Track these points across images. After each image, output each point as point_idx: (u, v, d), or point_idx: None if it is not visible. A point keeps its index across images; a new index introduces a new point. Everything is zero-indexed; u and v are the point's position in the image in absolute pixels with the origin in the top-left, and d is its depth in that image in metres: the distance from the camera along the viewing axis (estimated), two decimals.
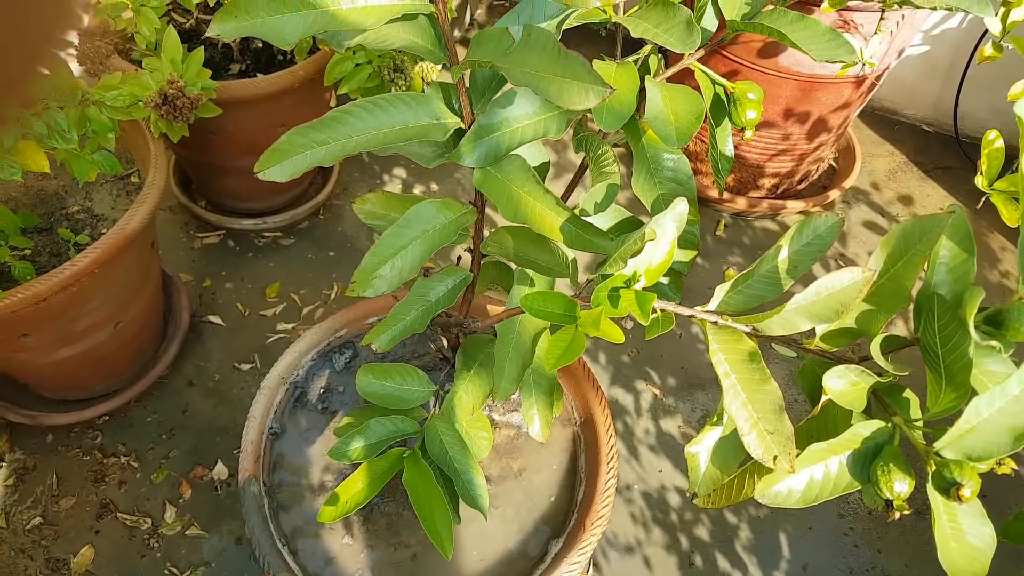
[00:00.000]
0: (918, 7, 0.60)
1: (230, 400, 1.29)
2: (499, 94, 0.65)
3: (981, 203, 1.62)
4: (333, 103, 1.51)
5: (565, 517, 0.82)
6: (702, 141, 1.62)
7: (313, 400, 0.88)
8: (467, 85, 0.64)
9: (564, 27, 0.67)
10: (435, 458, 0.68)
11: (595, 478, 0.82)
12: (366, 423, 0.68)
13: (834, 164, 1.71)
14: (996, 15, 0.90)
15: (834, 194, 1.61)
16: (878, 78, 1.45)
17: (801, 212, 1.64)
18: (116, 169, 0.93)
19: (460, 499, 0.67)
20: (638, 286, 0.54)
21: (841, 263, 1.57)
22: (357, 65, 1.15)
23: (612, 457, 0.82)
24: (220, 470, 1.23)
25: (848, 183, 1.62)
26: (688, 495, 0.54)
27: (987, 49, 0.88)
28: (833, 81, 1.39)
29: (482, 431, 0.74)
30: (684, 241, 0.73)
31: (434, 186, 1.65)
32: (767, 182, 1.60)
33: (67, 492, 1.18)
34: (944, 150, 1.83)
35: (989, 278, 1.57)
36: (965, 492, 0.44)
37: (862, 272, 0.47)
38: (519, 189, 0.64)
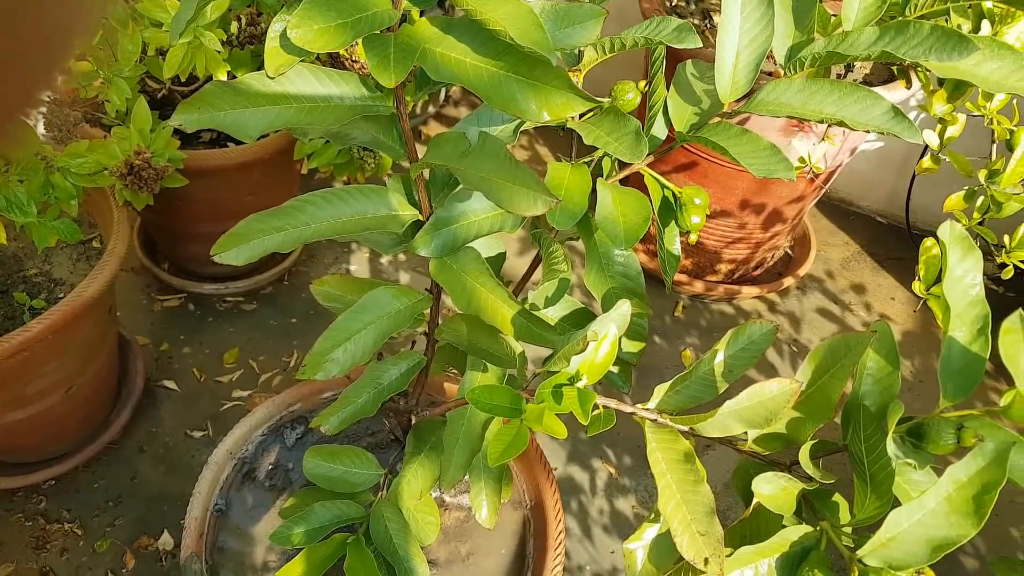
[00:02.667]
0: (853, 129, 0.64)
1: (180, 468, 1.27)
2: (458, 188, 0.67)
3: (919, 306, 1.68)
4: (304, 171, 1.54)
5: None
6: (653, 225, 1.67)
7: (261, 477, 0.87)
8: (426, 179, 0.67)
9: (521, 129, 0.70)
10: (378, 544, 0.67)
11: (542, 565, 0.81)
12: (310, 507, 0.68)
13: (790, 252, 1.77)
14: (935, 130, 0.95)
15: (789, 281, 1.65)
16: (832, 173, 1.52)
17: (756, 297, 1.68)
18: (76, 236, 0.94)
19: None
20: (580, 384, 0.56)
21: (795, 348, 1.61)
22: (327, 142, 1.18)
23: (560, 543, 0.83)
24: (166, 540, 1.20)
25: (803, 271, 1.67)
26: None
27: (926, 162, 0.94)
28: None
29: (429, 516, 0.74)
30: (633, 333, 0.75)
31: (401, 256, 1.67)
32: (724, 267, 1.65)
33: (6, 559, 1.14)
34: (897, 241, 1.90)
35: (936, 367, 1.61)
36: None
37: (790, 383, 0.50)
38: (473, 280, 0.65)
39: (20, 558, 1.15)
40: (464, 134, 0.61)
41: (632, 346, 0.76)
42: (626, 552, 0.57)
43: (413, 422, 0.77)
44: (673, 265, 0.77)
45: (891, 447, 0.46)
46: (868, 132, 0.62)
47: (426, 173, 0.67)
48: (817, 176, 1.46)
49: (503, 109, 0.55)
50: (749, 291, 1.64)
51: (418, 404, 0.77)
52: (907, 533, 0.46)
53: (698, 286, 1.64)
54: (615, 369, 0.77)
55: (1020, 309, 0.47)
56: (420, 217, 0.66)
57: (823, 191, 1.59)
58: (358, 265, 1.64)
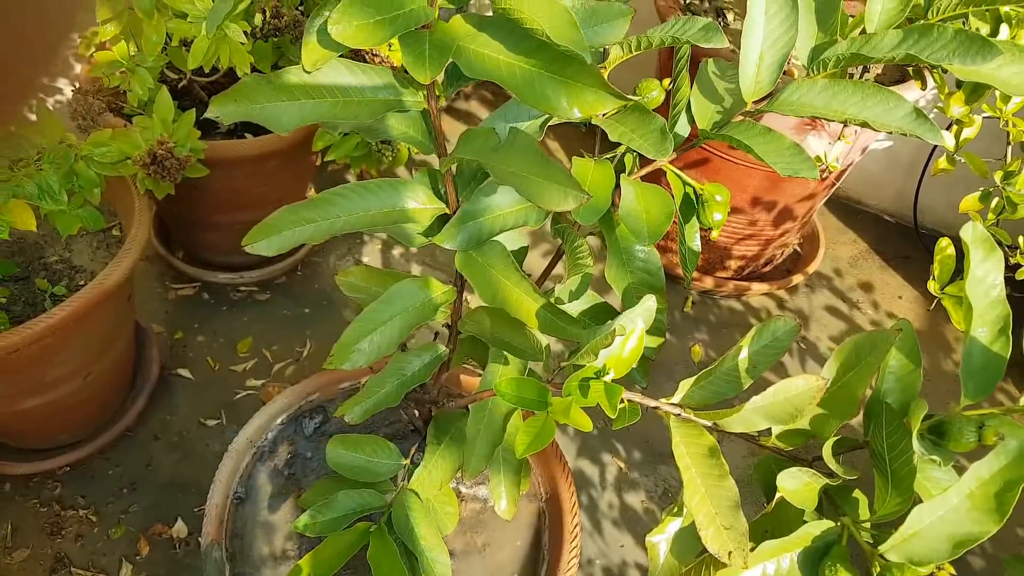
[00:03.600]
0: (876, 130, 0.64)
1: (194, 456, 1.28)
2: (485, 183, 0.68)
3: (933, 305, 1.69)
4: (319, 163, 1.54)
5: None
6: (674, 222, 1.67)
7: (280, 465, 0.88)
8: (454, 173, 0.68)
9: (548, 124, 0.71)
10: (400, 533, 0.69)
11: (558, 558, 0.83)
12: (334, 495, 0.69)
13: (799, 249, 1.78)
14: (950, 130, 0.96)
15: (797, 278, 1.66)
16: (843, 172, 1.52)
17: (765, 294, 1.69)
18: (99, 225, 0.95)
19: None
20: (607, 378, 0.57)
21: (803, 346, 1.62)
22: (345, 135, 1.18)
23: (575, 536, 0.84)
24: (180, 528, 1.21)
25: (811, 268, 1.68)
26: None
27: (942, 162, 0.95)
28: None
29: (448, 506, 0.75)
30: (652, 328, 0.76)
31: (412, 249, 1.68)
32: (734, 264, 1.66)
33: (21, 544, 1.16)
34: (904, 240, 1.91)
35: (943, 368, 1.62)
36: None
37: (816, 380, 0.51)
38: (498, 274, 0.66)
39: (35, 543, 1.16)
40: (494, 130, 0.62)
41: (651, 341, 0.77)
42: (649, 545, 0.58)
43: (433, 413, 0.78)
44: (693, 261, 0.78)
45: (915, 444, 0.47)
46: (890, 133, 0.63)
47: (453, 168, 0.68)
48: (829, 175, 1.47)
49: (535, 105, 0.55)
50: (758, 288, 1.65)
51: (439, 395, 0.78)
52: (929, 529, 0.47)
53: (708, 282, 1.65)
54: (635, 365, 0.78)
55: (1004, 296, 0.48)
56: (447, 211, 0.67)
57: (833, 189, 1.59)
58: (369, 257, 1.64)
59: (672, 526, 0.58)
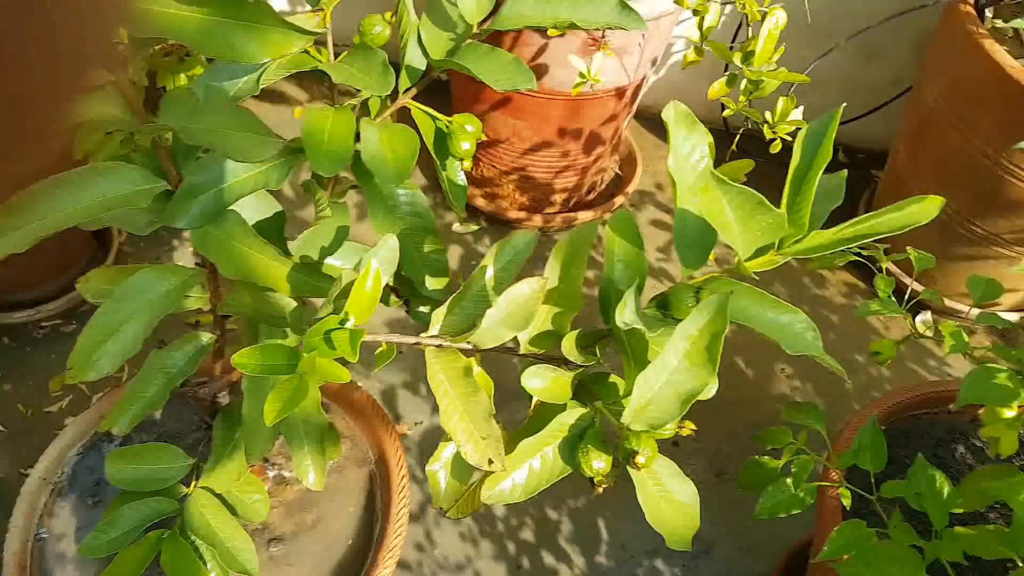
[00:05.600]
0: (585, 29, 0.65)
1: None
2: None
3: None
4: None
5: (364, 556, 0.81)
6: (493, 167, 1.67)
7: (84, 495, 0.83)
8: (172, 144, 0.63)
9: (275, 78, 0.67)
10: (195, 533, 0.65)
11: (388, 511, 0.82)
12: (118, 511, 0.65)
13: (619, 172, 1.82)
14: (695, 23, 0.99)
15: (620, 200, 1.70)
16: (638, 88, 1.56)
17: (593, 220, 1.72)
18: None
19: (230, 569, 0.65)
20: (349, 324, 0.55)
21: None
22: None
23: (403, 487, 0.83)
24: None
25: (632, 188, 1.72)
26: (437, 510, 0.56)
27: (690, 55, 0.97)
28: (596, 96, 1.48)
29: (255, 493, 0.72)
30: (434, 270, 0.75)
31: None
32: (559, 197, 1.68)
33: None
34: (719, 143, 1.97)
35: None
36: (640, 459, 0.47)
37: (538, 281, 0.51)
38: (239, 244, 0.63)
39: None
40: (191, 90, 0.59)
41: (436, 283, 0.76)
42: (429, 474, 0.58)
43: (223, 405, 0.75)
44: (459, 196, 0.77)
45: (628, 316, 0.48)
46: (598, 29, 0.63)
47: (169, 138, 0.64)
48: (625, 91, 1.50)
49: (219, 56, 0.53)
50: (585, 216, 1.68)
51: (222, 386, 0.74)
52: (660, 393, 0.48)
53: (537, 219, 1.67)
54: (425, 309, 0.77)
55: (712, 169, 0.50)
56: (169, 187, 0.63)
57: (634, 107, 1.63)
58: (186, 260, 1.56)
59: (447, 451, 0.58)
